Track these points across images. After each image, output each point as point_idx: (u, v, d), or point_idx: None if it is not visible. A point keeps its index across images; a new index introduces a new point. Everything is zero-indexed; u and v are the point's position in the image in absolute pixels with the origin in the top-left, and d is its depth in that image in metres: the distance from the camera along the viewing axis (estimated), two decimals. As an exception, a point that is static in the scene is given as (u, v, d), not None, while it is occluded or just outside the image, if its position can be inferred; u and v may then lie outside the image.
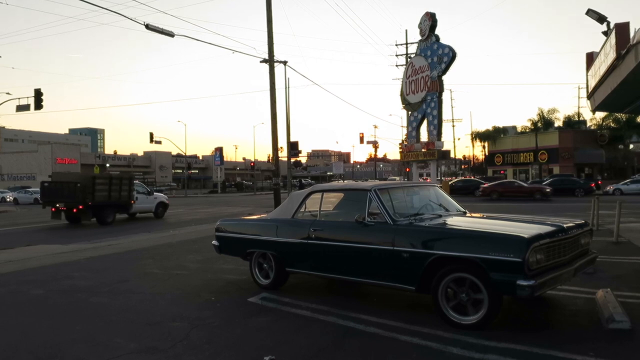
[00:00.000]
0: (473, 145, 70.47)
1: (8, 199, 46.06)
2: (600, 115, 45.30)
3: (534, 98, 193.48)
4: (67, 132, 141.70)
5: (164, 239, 13.03)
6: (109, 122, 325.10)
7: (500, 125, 60.39)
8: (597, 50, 11.86)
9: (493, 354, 4.11)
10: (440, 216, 5.92)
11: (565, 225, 5.09)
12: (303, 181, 64.07)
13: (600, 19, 11.83)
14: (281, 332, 4.92)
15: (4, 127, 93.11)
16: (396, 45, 39.41)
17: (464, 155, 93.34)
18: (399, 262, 5.17)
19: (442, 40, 19.26)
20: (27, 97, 29.66)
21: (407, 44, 38.31)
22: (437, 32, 19.56)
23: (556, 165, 47.49)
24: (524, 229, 4.89)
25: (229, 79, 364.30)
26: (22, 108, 30.63)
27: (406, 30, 47.02)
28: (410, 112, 21.23)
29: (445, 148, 20.43)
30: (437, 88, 19.11)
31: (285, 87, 30.68)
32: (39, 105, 28.02)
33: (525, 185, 32.02)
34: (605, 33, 11.16)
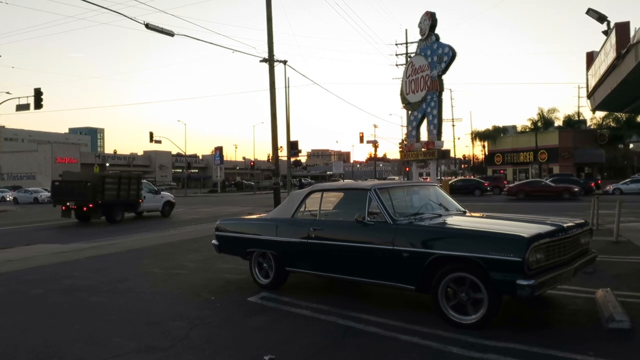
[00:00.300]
0: (473, 145, 70.54)
1: (8, 199, 46.09)
2: (600, 114, 45.47)
3: (534, 98, 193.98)
4: (67, 131, 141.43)
5: (164, 239, 13.04)
6: (108, 121, 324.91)
7: (500, 125, 60.60)
8: (597, 49, 11.87)
9: (493, 354, 4.11)
10: (440, 216, 5.92)
11: (565, 225, 5.09)
12: (303, 180, 64.01)
13: (601, 18, 11.82)
14: (281, 331, 4.92)
15: (3, 127, 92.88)
16: (396, 44, 39.58)
17: (464, 155, 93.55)
18: (399, 262, 5.17)
19: (442, 40, 19.22)
20: (27, 97, 29.71)
21: (407, 43, 38.37)
22: (437, 31, 19.51)
23: (556, 164, 47.55)
24: (524, 229, 4.88)
25: (229, 78, 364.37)
26: (22, 107, 30.65)
27: (406, 30, 47.33)
28: (410, 112, 21.19)
29: (445, 147, 20.39)
30: (437, 87, 19.07)
31: (285, 87, 30.73)
32: (38, 104, 28.00)
33: (553, 184, 31.68)
34: (606, 32, 11.17)
